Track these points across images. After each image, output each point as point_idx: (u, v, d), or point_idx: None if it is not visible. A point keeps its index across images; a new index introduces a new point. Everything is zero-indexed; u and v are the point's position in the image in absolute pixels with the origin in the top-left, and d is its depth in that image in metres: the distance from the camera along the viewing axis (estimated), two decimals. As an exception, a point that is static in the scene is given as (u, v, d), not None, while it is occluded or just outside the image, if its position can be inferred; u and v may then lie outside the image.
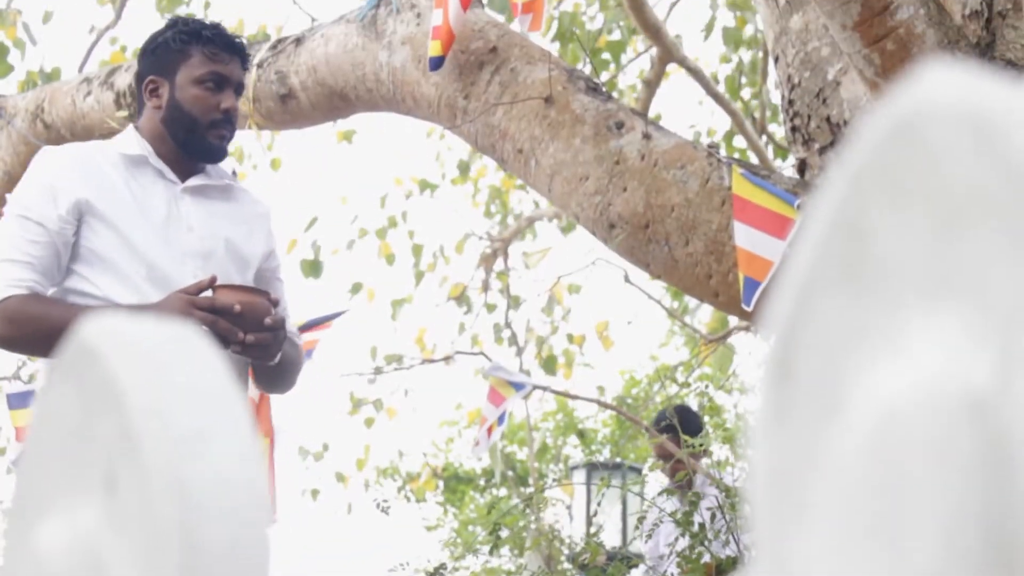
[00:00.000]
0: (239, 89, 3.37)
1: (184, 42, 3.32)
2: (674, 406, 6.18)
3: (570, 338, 10.72)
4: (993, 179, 0.54)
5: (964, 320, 0.55)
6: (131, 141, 3.31)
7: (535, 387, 6.17)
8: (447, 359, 7.25)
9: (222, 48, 3.33)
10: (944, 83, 0.58)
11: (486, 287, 10.53)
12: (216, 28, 3.37)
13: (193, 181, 3.32)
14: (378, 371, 9.45)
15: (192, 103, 3.28)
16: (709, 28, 9.79)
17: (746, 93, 10.09)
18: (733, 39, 9.73)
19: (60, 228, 3.13)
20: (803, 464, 0.61)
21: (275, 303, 3.13)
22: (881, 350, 0.58)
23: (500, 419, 5.76)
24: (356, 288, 10.82)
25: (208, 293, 3.09)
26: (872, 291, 0.59)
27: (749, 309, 3.93)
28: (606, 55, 9.54)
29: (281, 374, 3.35)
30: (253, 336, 3.07)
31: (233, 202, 3.41)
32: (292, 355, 3.33)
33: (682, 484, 5.05)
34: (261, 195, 3.58)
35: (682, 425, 5.07)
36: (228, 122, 3.30)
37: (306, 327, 5.43)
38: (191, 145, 3.30)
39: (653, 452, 6.71)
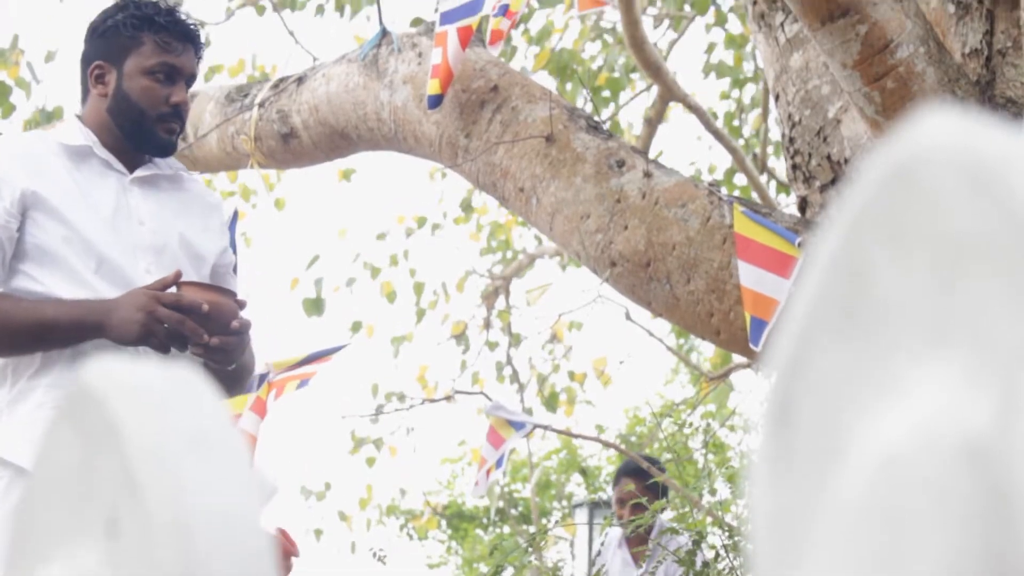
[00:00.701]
0: (190, 81, 3.16)
1: (135, 28, 3.10)
2: (637, 457, 6.20)
3: (571, 375, 10.71)
4: (992, 225, 0.55)
5: (963, 365, 0.55)
6: (74, 131, 3.12)
7: (536, 426, 6.16)
8: (448, 398, 7.25)
9: (176, 37, 3.12)
10: (943, 128, 0.58)
11: (487, 325, 10.52)
12: (171, 14, 3.15)
13: (141, 172, 3.12)
14: (379, 411, 9.44)
15: (140, 94, 3.09)
16: (708, 67, 9.82)
17: (747, 130, 10.11)
18: (730, 75, 9.75)
19: (5, 222, 2.91)
20: (804, 507, 0.61)
21: (242, 305, 2.93)
22: (881, 394, 0.58)
23: (499, 461, 5.73)
24: (356, 327, 10.81)
25: (173, 290, 2.91)
26: (872, 335, 0.59)
27: (757, 349, 3.92)
28: (606, 92, 9.57)
29: (233, 380, 3.13)
30: (218, 339, 2.87)
31: (183, 192, 3.22)
32: (247, 362, 3.12)
33: (640, 532, 5.08)
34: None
35: (646, 476, 5.12)
36: (177, 116, 3.10)
37: (307, 361, 5.42)
38: (138, 138, 3.10)
39: (617, 498, 6.71)
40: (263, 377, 5.25)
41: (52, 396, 2.91)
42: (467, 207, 10.95)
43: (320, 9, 9.79)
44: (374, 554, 5.25)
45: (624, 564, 6.68)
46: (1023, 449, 0.52)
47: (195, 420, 0.79)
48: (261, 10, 9.47)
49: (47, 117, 8.79)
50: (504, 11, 4.80)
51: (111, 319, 2.86)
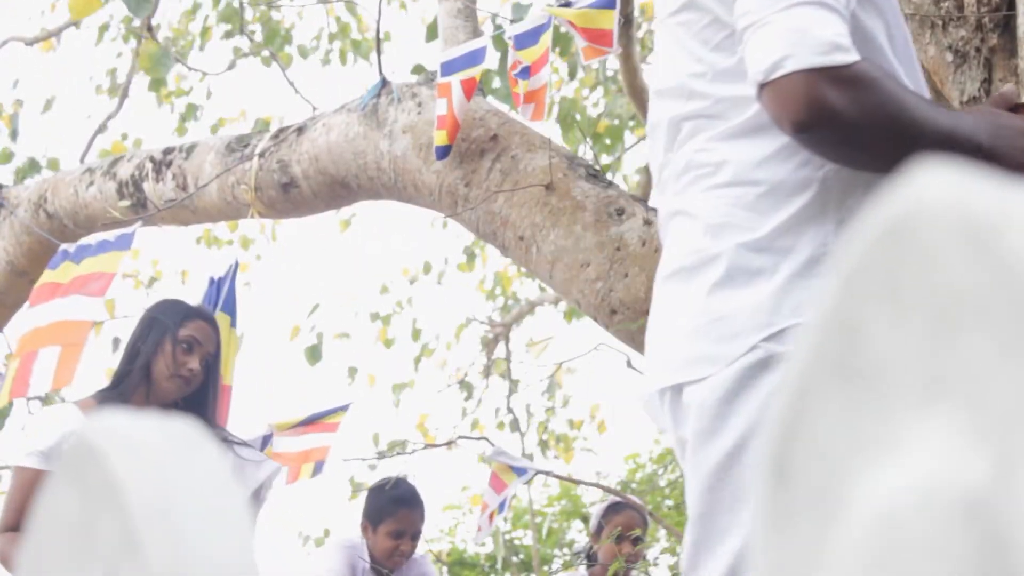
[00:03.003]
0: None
1: None
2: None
3: (571, 423, 10.72)
4: (987, 280, 0.55)
5: (960, 421, 0.55)
6: None
7: (537, 472, 6.14)
8: (449, 444, 7.23)
9: None
10: (938, 183, 0.59)
11: (488, 372, 10.52)
12: None
13: None
14: (380, 456, 9.43)
15: None
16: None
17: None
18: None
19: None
20: (802, 563, 0.61)
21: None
22: (878, 451, 0.58)
23: (501, 506, 5.73)
24: (352, 372, 10.82)
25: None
26: (867, 392, 0.59)
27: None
28: (608, 140, 9.60)
29: None
30: None
31: None
32: None
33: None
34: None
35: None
36: None
37: (308, 421, 5.40)
38: None
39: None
40: (266, 439, 5.23)
41: None
42: (470, 254, 10.98)
43: (327, 59, 9.84)
44: None
45: None
46: (1021, 505, 0.52)
47: (195, 477, 0.78)
48: (268, 61, 9.51)
49: (38, 168, 8.84)
50: (526, 74, 4.76)
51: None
